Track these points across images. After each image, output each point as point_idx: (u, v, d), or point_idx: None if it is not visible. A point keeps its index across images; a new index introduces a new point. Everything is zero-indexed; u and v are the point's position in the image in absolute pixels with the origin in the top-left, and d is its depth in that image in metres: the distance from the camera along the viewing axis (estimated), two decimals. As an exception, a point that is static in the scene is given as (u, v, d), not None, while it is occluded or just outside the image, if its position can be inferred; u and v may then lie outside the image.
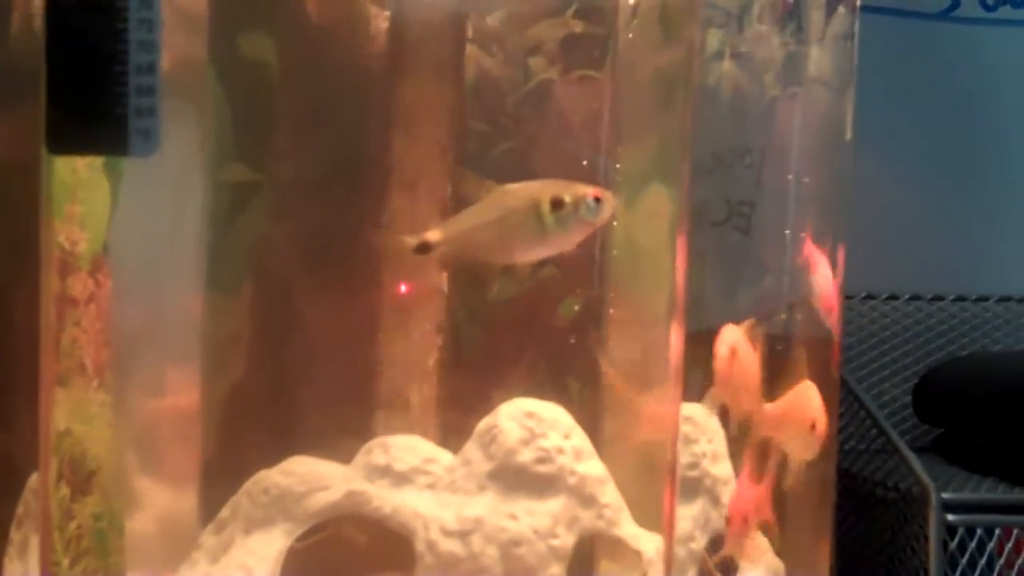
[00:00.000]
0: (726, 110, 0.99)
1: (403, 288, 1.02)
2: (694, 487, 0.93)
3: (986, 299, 1.60)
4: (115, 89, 0.69)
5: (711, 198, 1.01)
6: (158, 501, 0.99)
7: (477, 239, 0.87)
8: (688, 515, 0.91)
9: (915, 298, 1.59)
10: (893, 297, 1.58)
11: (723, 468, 0.96)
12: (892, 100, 1.59)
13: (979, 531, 1.19)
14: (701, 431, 0.94)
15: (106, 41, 0.69)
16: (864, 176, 1.52)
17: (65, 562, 0.92)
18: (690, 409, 0.93)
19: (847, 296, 1.55)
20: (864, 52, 1.07)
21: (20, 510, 0.92)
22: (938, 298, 1.59)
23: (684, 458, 0.92)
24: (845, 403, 1.34)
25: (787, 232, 1.03)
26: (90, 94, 0.69)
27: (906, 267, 1.60)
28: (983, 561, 1.20)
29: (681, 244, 0.87)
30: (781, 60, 1.01)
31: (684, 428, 0.92)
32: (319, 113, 1.03)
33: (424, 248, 0.87)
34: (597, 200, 0.87)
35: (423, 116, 1.04)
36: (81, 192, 0.92)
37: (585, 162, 1.07)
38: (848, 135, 1.06)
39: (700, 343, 0.96)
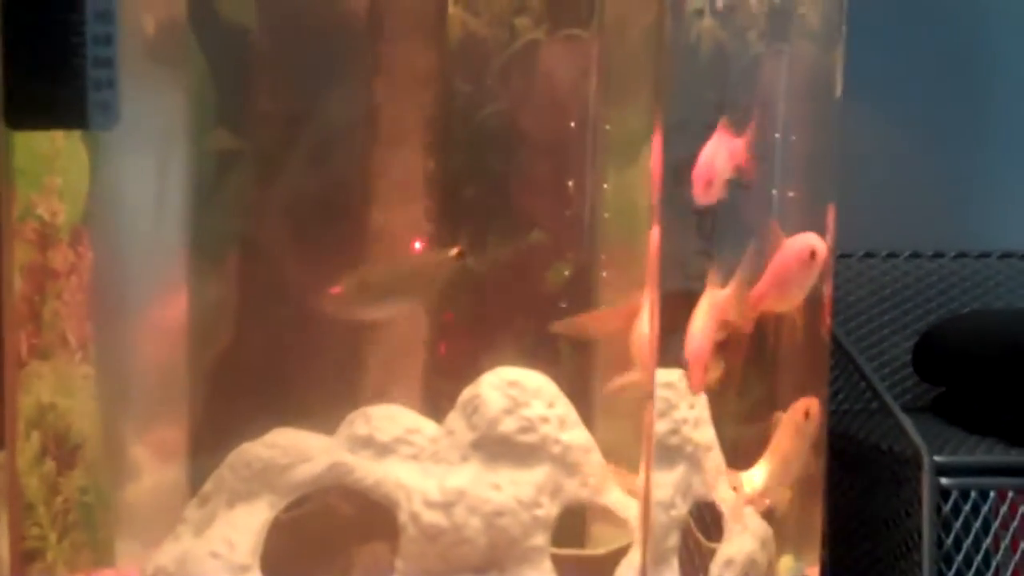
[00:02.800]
0: (706, 67, 0.97)
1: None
2: (675, 453, 0.91)
3: (988, 255, 1.58)
4: (73, 62, 0.67)
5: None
6: (144, 475, 0.98)
7: None
8: (669, 481, 0.89)
9: (915, 255, 1.57)
10: (892, 255, 1.56)
11: (705, 434, 0.94)
12: (888, 53, 1.57)
13: (973, 494, 1.18)
14: (681, 396, 0.92)
15: (62, 12, 0.67)
16: (862, 131, 1.51)
17: (52, 536, 0.92)
18: (670, 375, 0.91)
19: (845, 255, 1.54)
20: (857, 4, 1.05)
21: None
22: (939, 255, 1.57)
23: (664, 424, 0.90)
24: (839, 364, 1.33)
25: (774, 192, 1.01)
26: (47, 67, 0.67)
27: (906, 224, 1.58)
28: (978, 524, 1.19)
29: (655, 206, 0.86)
30: (765, 16, 0.99)
31: (664, 394, 0.90)
32: (301, 77, 1.02)
33: None
34: None
35: (407, 78, 1.03)
36: (59, 163, 0.91)
37: (573, 123, 1.05)
38: (838, 92, 1.04)
39: (682, 305, 0.94)
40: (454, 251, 0.95)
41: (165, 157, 0.97)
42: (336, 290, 0.92)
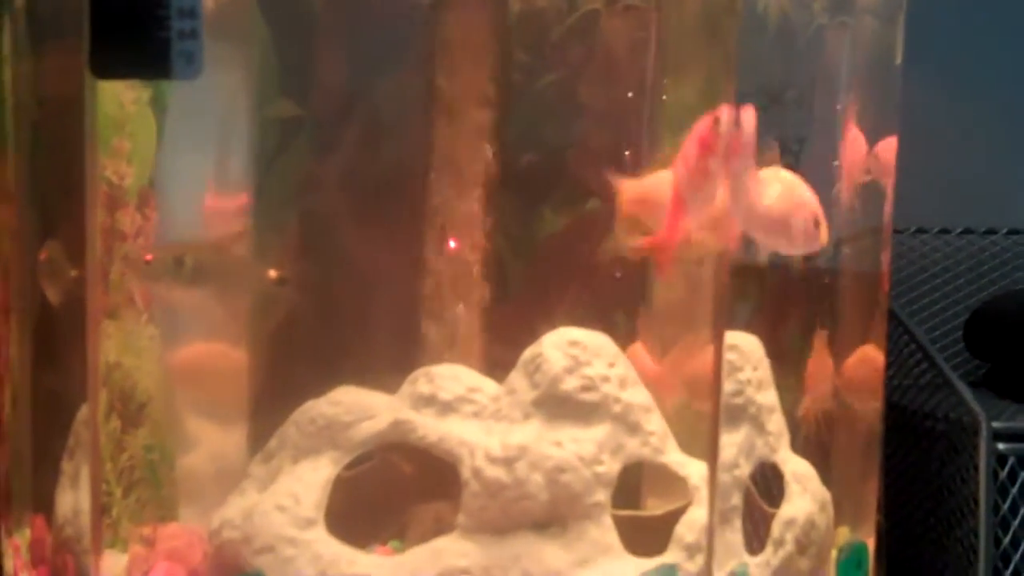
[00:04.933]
0: (772, 40, 0.98)
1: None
2: (738, 414, 0.92)
3: (1040, 231, 1.58)
4: (157, 12, 0.69)
5: (762, 136, 0.99)
6: (208, 433, 1.00)
7: None
8: (733, 442, 0.90)
9: (967, 231, 1.56)
10: (945, 231, 1.56)
11: (768, 396, 0.95)
12: (943, 27, 1.56)
13: (1030, 460, 1.18)
14: (746, 359, 0.93)
15: (146, -35, 0.69)
16: (915, 107, 1.50)
17: (118, 492, 0.94)
18: (735, 337, 0.92)
19: (898, 230, 1.54)
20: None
21: (71, 442, 0.93)
22: (991, 231, 1.57)
23: (729, 385, 0.91)
24: (895, 336, 1.33)
25: (835, 164, 1.01)
26: (132, 17, 0.69)
27: (958, 200, 1.58)
28: (1035, 491, 1.19)
29: (724, 175, 0.86)
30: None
31: (729, 356, 0.91)
32: (363, 48, 1.03)
33: None
34: None
35: (467, 48, 1.04)
36: (128, 126, 0.93)
37: (631, 94, 1.06)
38: (898, 61, 1.04)
39: (748, 275, 0.95)
40: (273, 273, 0.93)
41: (229, 124, 0.98)
42: (148, 258, 0.90)
